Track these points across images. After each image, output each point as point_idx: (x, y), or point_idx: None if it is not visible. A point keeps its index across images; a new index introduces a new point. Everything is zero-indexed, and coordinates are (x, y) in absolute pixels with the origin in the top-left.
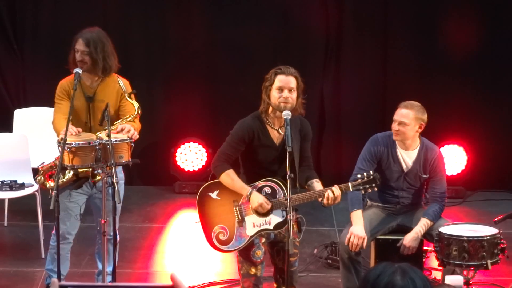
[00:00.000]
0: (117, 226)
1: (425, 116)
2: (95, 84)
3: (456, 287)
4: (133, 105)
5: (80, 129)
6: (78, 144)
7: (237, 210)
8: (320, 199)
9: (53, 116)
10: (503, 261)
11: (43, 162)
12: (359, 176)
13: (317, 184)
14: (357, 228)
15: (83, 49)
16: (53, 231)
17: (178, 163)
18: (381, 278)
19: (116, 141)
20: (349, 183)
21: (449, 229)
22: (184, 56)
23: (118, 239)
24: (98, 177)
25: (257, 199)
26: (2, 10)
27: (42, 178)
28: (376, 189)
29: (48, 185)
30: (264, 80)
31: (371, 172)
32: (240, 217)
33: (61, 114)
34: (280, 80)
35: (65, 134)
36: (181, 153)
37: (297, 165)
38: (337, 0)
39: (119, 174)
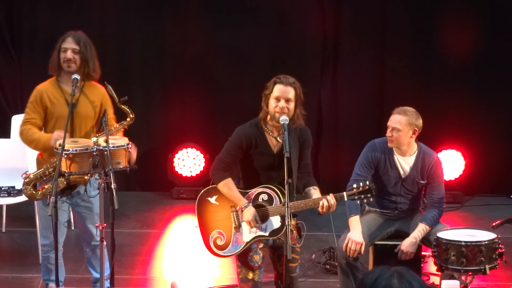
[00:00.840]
0: (96, 232)
1: (419, 122)
2: (77, 89)
3: None
4: (127, 111)
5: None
6: (76, 150)
7: (234, 216)
8: (315, 207)
9: (20, 127)
10: (501, 266)
11: (27, 171)
12: (354, 185)
13: (314, 191)
14: (355, 234)
15: (74, 47)
16: (42, 242)
17: (176, 169)
18: (379, 282)
19: (113, 147)
20: (344, 193)
21: (447, 234)
22: (181, 61)
23: (105, 243)
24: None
25: (248, 216)
26: (0, 16)
27: (29, 188)
28: (371, 199)
29: (35, 194)
30: (265, 87)
31: (367, 182)
32: (237, 223)
33: (32, 125)
34: (278, 89)
35: (63, 140)
36: (179, 158)
37: (294, 172)
38: (335, 6)
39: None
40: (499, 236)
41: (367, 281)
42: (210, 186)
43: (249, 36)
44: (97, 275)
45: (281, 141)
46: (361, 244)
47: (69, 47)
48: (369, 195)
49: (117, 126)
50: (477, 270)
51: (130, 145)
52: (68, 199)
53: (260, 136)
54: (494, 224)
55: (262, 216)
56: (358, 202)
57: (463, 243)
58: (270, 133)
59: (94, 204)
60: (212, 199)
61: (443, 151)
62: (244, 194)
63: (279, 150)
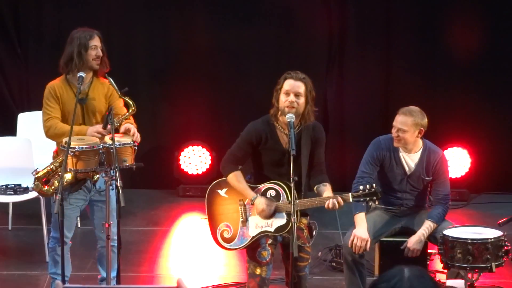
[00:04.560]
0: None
1: (424, 121)
2: (86, 85)
3: None
4: (128, 102)
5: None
6: (82, 148)
7: (242, 210)
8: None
9: (47, 123)
10: (508, 263)
11: (37, 169)
12: (361, 187)
13: (323, 188)
14: (360, 231)
15: (101, 44)
16: (51, 234)
17: (182, 167)
18: None
19: (119, 144)
20: (350, 194)
21: (453, 231)
22: (187, 59)
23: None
24: (96, 176)
25: (260, 205)
26: (6, 14)
27: (39, 184)
28: (377, 202)
29: (46, 190)
30: (276, 83)
31: (374, 185)
32: (244, 217)
33: (57, 119)
34: (288, 84)
35: (69, 138)
36: (185, 156)
37: (304, 170)
38: (340, 4)
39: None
40: (505, 233)
41: None
42: (221, 179)
43: (255, 34)
44: (105, 275)
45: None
46: (367, 241)
47: (98, 45)
48: (374, 197)
49: (120, 117)
50: (483, 267)
51: (136, 143)
52: (86, 192)
53: (271, 133)
54: (500, 221)
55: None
56: (363, 204)
57: (469, 241)
58: (282, 130)
59: (111, 199)
60: (222, 192)
61: (449, 149)
62: (253, 189)
63: (290, 147)
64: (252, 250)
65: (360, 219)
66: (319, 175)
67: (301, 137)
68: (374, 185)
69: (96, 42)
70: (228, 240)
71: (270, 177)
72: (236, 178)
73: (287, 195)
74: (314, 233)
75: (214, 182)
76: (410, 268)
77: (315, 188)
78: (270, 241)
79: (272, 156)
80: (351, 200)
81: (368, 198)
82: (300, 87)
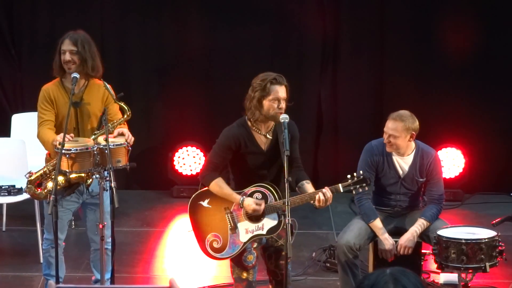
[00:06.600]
0: (107, 232)
1: (415, 125)
2: (81, 88)
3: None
4: (124, 107)
5: (72, 135)
6: (77, 150)
7: (229, 217)
8: (312, 201)
9: (38, 129)
10: (502, 263)
11: (30, 171)
12: (348, 176)
13: (307, 186)
14: (386, 240)
15: (71, 48)
16: (44, 236)
17: (176, 167)
18: None
19: (113, 145)
20: (340, 184)
21: (448, 232)
22: (181, 60)
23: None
24: (90, 180)
25: (251, 205)
26: (0, 15)
27: (32, 187)
28: (366, 188)
29: (39, 193)
30: (251, 88)
31: (361, 172)
32: (232, 224)
33: (46, 126)
34: (277, 91)
35: (63, 140)
36: (179, 157)
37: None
38: (334, 5)
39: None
40: (499, 233)
41: None
42: (201, 190)
43: (249, 35)
44: (99, 276)
45: (270, 137)
46: (393, 245)
47: (67, 49)
48: (364, 184)
49: (115, 122)
50: (477, 267)
51: (130, 144)
52: (78, 195)
53: (248, 136)
54: (494, 221)
55: (258, 215)
56: (354, 192)
57: (464, 241)
58: (258, 131)
59: (105, 200)
60: (205, 203)
61: (443, 149)
62: (238, 194)
63: (268, 148)
64: (238, 255)
65: (377, 227)
66: (298, 171)
67: (277, 136)
68: (361, 171)
69: (65, 46)
70: (218, 250)
71: (253, 180)
72: (218, 185)
73: (274, 195)
74: (294, 231)
75: (194, 195)
76: (392, 268)
77: (297, 186)
78: (255, 244)
79: (252, 159)
80: (341, 190)
81: (358, 186)
82: (285, 91)
